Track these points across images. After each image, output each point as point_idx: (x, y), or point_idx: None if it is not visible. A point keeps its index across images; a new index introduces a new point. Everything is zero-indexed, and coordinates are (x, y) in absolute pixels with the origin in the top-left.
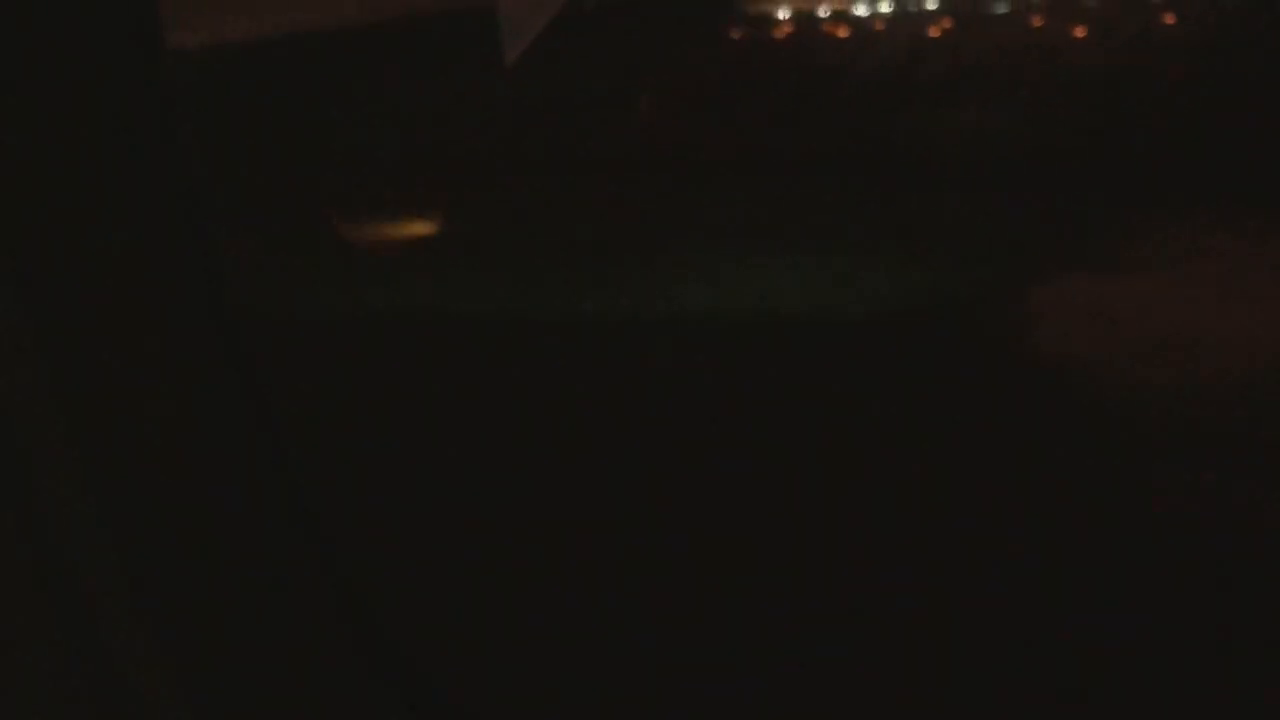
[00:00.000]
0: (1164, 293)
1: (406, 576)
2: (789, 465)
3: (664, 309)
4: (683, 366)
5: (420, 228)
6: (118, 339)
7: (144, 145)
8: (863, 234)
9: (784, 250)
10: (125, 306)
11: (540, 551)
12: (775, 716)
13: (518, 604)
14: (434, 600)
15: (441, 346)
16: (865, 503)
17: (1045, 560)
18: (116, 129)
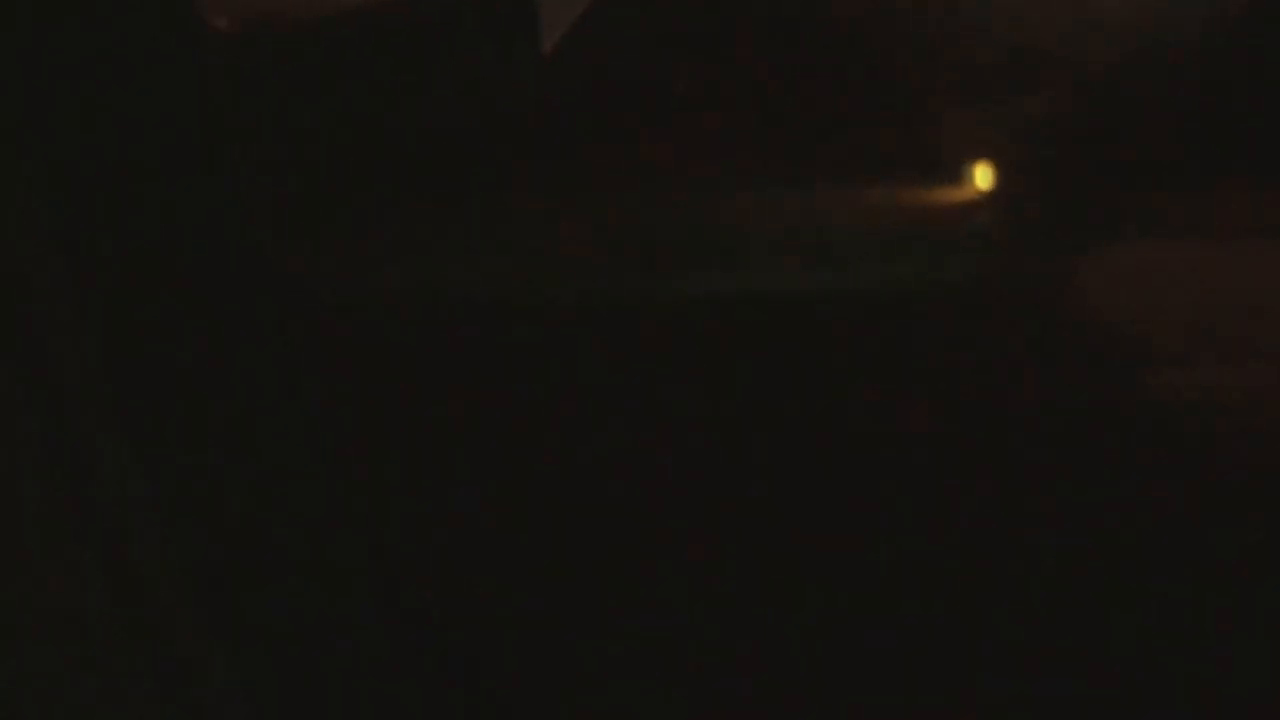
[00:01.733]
0: (1213, 262)
1: (464, 572)
2: (830, 457)
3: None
4: (726, 358)
5: (455, 211)
6: (167, 327)
7: (186, 129)
8: (892, 195)
9: (825, 226)
10: (173, 291)
11: (586, 552)
12: (803, 714)
13: (582, 608)
14: (498, 603)
15: (486, 335)
16: (902, 485)
17: (1079, 547)
18: (157, 113)
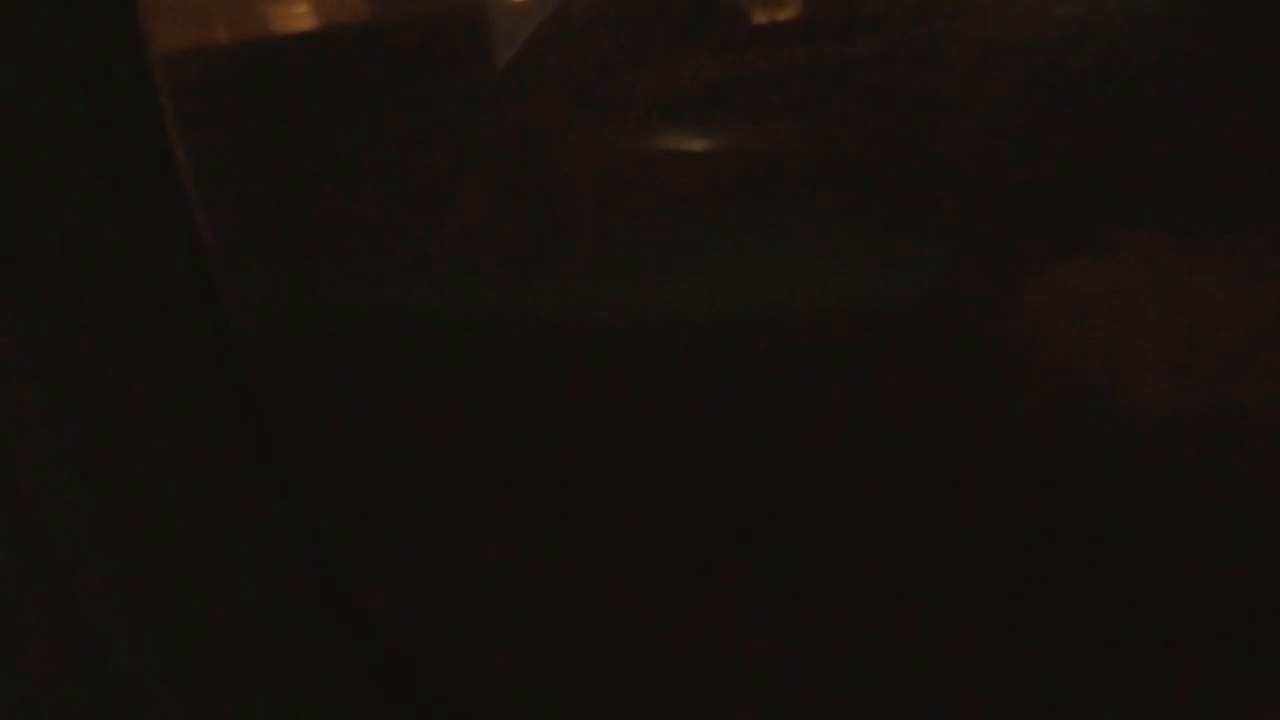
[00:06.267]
0: (1168, 285)
1: (406, 577)
2: (793, 463)
3: (678, 309)
4: (692, 365)
5: (417, 227)
6: (109, 345)
7: (134, 149)
8: (853, 221)
9: (781, 248)
10: (117, 311)
11: (548, 552)
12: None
13: (525, 607)
14: (435, 602)
15: (439, 347)
16: (866, 503)
17: (1041, 564)
18: (104, 133)
